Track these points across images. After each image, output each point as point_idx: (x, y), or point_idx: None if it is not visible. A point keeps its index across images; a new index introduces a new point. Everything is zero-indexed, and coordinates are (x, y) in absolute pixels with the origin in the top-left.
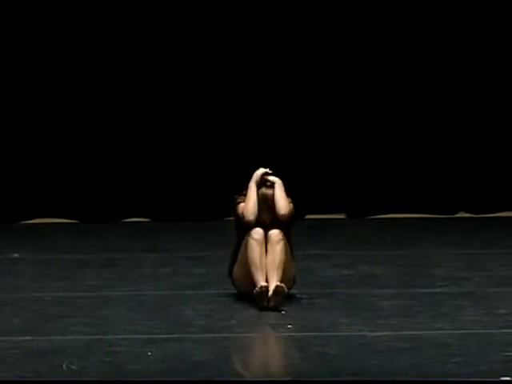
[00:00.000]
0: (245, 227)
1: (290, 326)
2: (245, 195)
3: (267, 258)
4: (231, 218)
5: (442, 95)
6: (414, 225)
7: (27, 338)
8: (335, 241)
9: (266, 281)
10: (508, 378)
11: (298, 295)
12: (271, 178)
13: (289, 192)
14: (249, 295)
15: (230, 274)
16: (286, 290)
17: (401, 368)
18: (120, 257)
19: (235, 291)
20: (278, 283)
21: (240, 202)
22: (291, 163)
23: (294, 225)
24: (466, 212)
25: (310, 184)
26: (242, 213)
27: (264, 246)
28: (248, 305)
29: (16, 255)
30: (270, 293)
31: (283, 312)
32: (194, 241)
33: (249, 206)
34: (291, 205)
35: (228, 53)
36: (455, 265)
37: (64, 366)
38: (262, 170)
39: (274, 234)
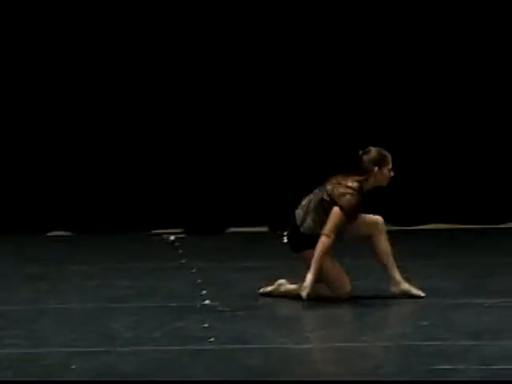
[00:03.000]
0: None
1: (211, 340)
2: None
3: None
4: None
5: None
6: None
7: None
8: (259, 254)
9: None
10: None
11: (220, 308)
12: None
13: None
14: None
15: None
16: None
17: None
18: (47, 270)
19: (160, 304)
20: None
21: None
22: (216, 178)
23: (215, 238)
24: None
25: (233, 198)
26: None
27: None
28: (174, 317)
29: None
30: None
31: None
32: (119, 253)
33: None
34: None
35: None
36: (376, 276)
37: None
38: None
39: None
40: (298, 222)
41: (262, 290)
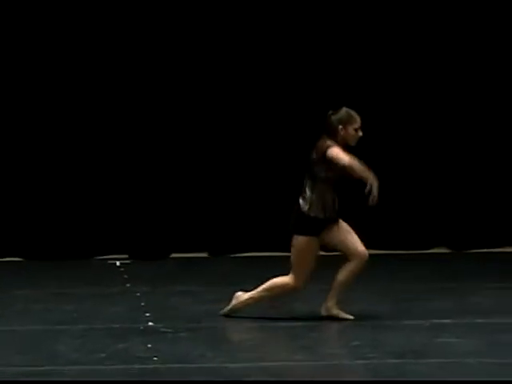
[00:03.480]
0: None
1: (155, 359)
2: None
3: None
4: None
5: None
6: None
7: None
8: (200, 278)
9: None
10: None
11: (163, 329)
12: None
13: None
14: None
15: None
16: None
17: None
18: None
19: (105, 326)
20: None
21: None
22: (158, 206)
23: (159, 263)
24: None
25: (174, 225)
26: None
27: None
28: (118, 338)
29: None
30: None
31: None
32: (65, 278)
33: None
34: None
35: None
36: (314, 300)
37: None
38: None
39: None
40: (302, 205)
41: (223, 312)
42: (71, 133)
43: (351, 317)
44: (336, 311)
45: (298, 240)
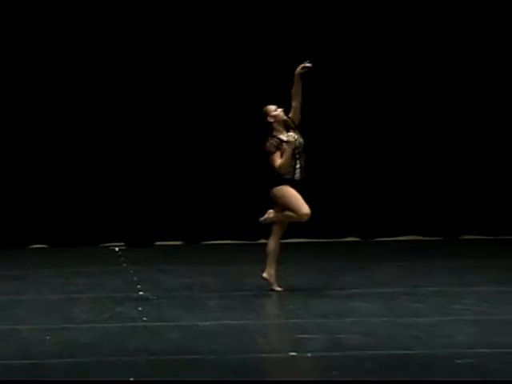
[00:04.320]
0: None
1: (144, 319)
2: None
3: None
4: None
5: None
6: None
7: None
8: (178, 260)
9: None
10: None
11: (151, 297)
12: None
13: None
14: None
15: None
16: None
17: (221, 346)
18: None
19: (107, 295)
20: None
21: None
22: (146, 201)
23: (148, 249)
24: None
25: (158, 218)
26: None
27: None
28: (117, 304)
29: None
30: None
31: None
32: (76, 260)
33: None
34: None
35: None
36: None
37: None
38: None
39: None
40: None
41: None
42: (72, 135)
43: (280, 288)
44: (272, 281)
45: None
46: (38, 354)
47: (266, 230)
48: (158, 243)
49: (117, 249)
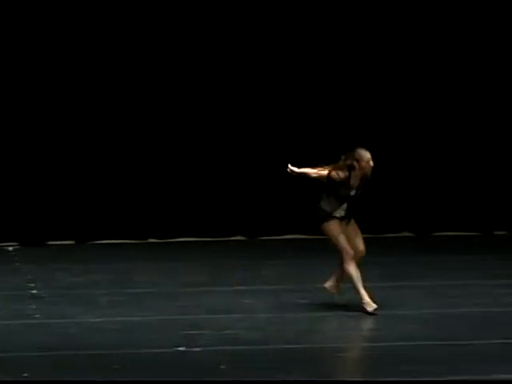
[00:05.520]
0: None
1: (37, 316)
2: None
3: None
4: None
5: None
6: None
7: None
8: (70, 259)
9: None
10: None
11: (43, 295)
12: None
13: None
14: None
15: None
16: None
17: (114, 342)
18: None
19: (2, 293)
20: None
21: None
22: (38, 203)
23: (41, 250)
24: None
25: (50, 220)
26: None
27: None
28: (12, 301)
29: None
30: None
31: None
32: None
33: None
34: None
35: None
36: (152, 274)
37: None
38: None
39: None
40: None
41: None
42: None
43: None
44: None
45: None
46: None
47: (152, 228)
48: (51, 243)
49: (10, 248)
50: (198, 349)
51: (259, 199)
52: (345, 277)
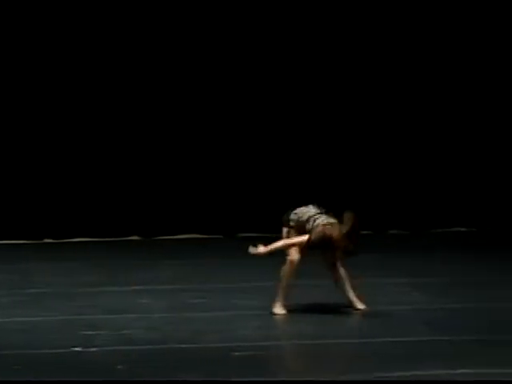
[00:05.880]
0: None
1: None
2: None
3: None
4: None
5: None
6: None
7: None
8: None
9: None
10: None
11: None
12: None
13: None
14: None
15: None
16: None
17: (14, 342)
18: None
19: None
20: None
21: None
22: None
23: None
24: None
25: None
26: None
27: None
28: None
29: None
30: None
31: None
32: None
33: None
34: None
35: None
36: (49, 274)
37: None
38: None
39: None
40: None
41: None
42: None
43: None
44: None
45: None
46: None
47: (47, 228)
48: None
49: None
50: (94, 349)
51: (155, 199)
52: (342, 275)
